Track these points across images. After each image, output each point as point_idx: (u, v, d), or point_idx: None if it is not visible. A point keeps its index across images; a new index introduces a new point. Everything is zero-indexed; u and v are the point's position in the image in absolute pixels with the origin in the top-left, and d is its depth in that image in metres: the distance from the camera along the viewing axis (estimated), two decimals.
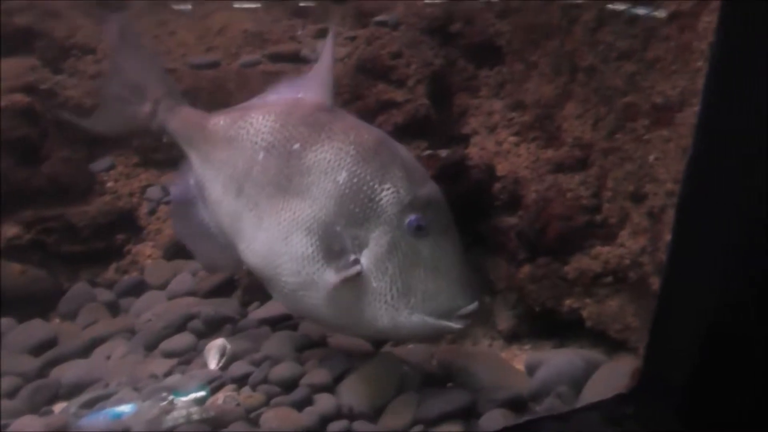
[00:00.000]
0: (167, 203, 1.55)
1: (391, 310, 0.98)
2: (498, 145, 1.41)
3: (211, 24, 1.64)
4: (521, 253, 1.29)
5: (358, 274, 0.97)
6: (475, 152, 1.41)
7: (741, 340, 0.99)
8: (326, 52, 1.06)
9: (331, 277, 0.98)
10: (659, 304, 1.06)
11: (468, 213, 1.30)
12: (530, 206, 1.28)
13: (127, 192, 1.54)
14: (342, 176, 0.98)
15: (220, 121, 1.11)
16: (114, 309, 1.42)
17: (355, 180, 0.98)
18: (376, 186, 0.97)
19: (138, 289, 1.44)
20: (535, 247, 1.27)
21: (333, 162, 0.99)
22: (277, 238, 1.01)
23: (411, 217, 0.97)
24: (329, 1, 1.69)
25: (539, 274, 1.27)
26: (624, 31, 1.16)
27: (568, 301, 1.26)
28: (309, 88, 1.05)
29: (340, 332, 1.06)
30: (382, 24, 1.51)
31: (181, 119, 1.15)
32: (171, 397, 1.11)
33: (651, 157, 1.15)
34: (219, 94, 1.56)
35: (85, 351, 1.27)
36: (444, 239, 0.99)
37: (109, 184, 1.54)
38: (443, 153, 1.27)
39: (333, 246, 0.98)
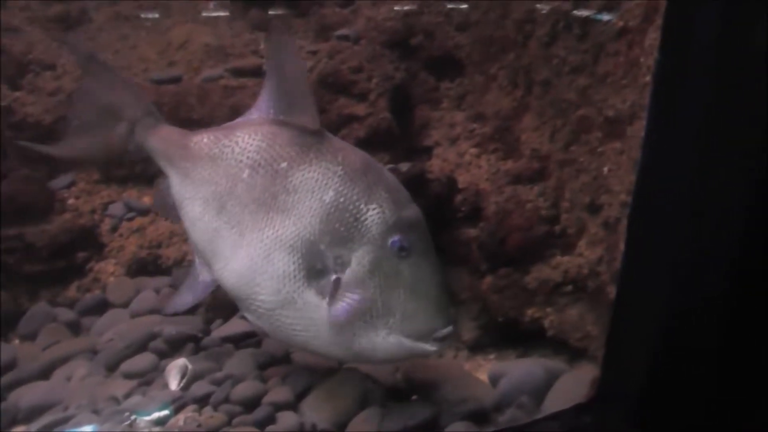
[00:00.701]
0: (130, 220, 1.53)
1: (370, 330, 0.98)
2: (459, 157, 1.43)
3: (173, 38, 1.63)
4: (483, 264, 1.30)
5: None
6: (437, 164, 1.42)
7: (694, 349, 1.01)
8: (297, 69, 1.05)
9: (312, 296, 0.99)
10: (614, 313, 1.08)
11: (430, 225, 1.31)
12: (491, 218, 1.30)
13: (89, 209, 1.52)
14: (329, 195, 0.99)
15: (203, 138, 1.10)
16: (75, 328, 1.40)
17: (341, 199, 0.99)
18: (362, 206, 0.98)
19: (100, 307, 1.42)
20: (496, 258, 1.29)
21: (320, 181, 1.00)
22: (258, 256, 1.01)
23: (394, 238, 0.98)
24: (292, 15, 1.69)
25: (501, 285, 1.28)
26: (575, 47, 1.19)
27: (530, 311, 1.28)
28: (293, 110, 1.05)
29: (314, 353, 1.06)
30: (344, 38, 1.51)
31: (161, 137, 1.14)
32: (133, 417, 1.11)
33: (605, 169, 1.17)
34: (181, 108, 1.55)
35: (45, 373, 1.25)
36: (425, 261, 1.00)
37: (71, 201, 1.52)
38: (404, 167, 1.28)
39: (315, 265, 0.99)
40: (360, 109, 1.40)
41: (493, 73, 1.44)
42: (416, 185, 1.29)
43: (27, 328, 1.39)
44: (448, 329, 0.99)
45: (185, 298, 1.13)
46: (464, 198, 1.34)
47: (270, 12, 1.72)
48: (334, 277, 0.98)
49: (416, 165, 1.29)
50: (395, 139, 1.42)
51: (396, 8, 1.54)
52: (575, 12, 1.17)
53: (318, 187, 1.00)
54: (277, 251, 1.00)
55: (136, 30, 1.69)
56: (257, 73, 1.53)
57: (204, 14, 1.73)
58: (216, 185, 1.06)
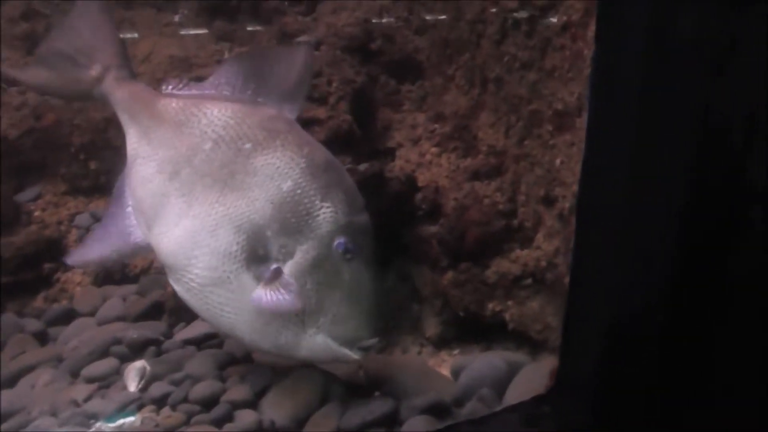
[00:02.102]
0: None
1: (299, 325, 1.00)
2: (421, 157, 1.45)
3: (137, 51, 1.66)
4: (443, 260, 1.32)
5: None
6: (399, 165, 1.44)
7: (644, 337, 1.03)
8: (304, 65, 1.07)
9: (248, 280, 0.99)
10: (568, 304, 1.09)
11: (391, 224, 1.32)
12: (450, 214, 1.31)
13: (55, 220, 1.53)
14: (287, 185, 1.00)
15: (171, 102, 1.10)
16: (43, 338, 1.39)
17: (298, 191, 1.00)
18: (317, 202, 1.00)
19: (67, 317, 1.42)
20: (456, 253, 1.30)
21: (282, 169, 1.01)
22: (203, 229, 1.02)
23: (341, 240, 1.00)
24: (256, 24, 1.72)
25: (461, 280, 1.30)
26: (524, 43, 1.21)
27: (491, 305, 1.29)
28: (275, 97, 1.06)
29: (238, 339, 1.06)
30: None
31: (129, 92, 1.13)
32: (99, 424, 1.11)
33: (557, 162, 1.19)
34: None
35: (11, 381, 1.25)
36: (366, 269, 1.02)
37: (37, 214, 1.53)
38: (363, 167, 1.30)
39: (258, 249, 1.00)
40: (320, 112, 1.41)
41: (450, 73, 1.46)
42: (374, 184, 1.32)
43: None
44: (374, 340, 1.01)
45: (102, 250, 1.11)
46: (424, 196, 1.35)
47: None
48: (274, 266, 0.99)
49: (374, 164, 1.31)
50: (357, 142, 1.44)
51: (356, 13, 1.57)
52: (516, 14, 1.19)
53: (278, 174, 1.00)
54: (223, 228, 1.00)
55: None
56: None
57: (182, 32, 1.75)
58: (175, 151, 1.06)
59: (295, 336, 1.00)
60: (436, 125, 1.48)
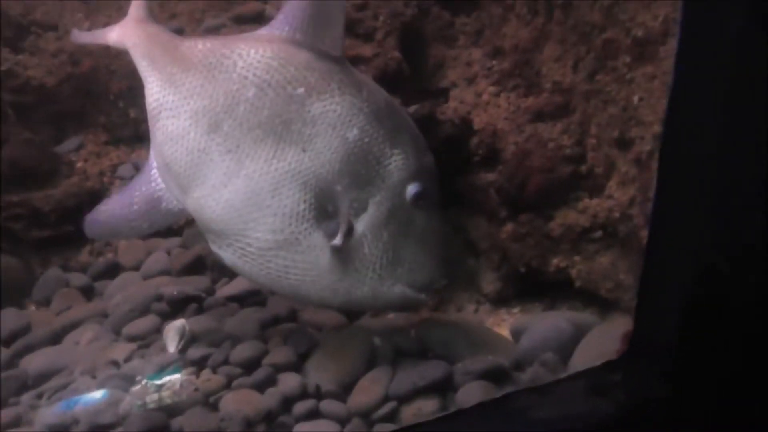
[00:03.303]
0: None
1: (376, 279, 0.94)
2: (477, 97, 1.31)
3: None
4: (502, 211, 1.20)
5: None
6: (453, 106, 1.32)
7: (732, 299, 0.90)
8: None
9: (319, 239, 0.93)
10: (646, 259, 0.97)
11: (444, 171, 1.21)
12: (509, 160, 1.19)
13: (97, 171, 1.48)
14: (353, 133, 0.92)
15: (197, 44, 0.99)
16: (89, 293, 1.37)
17: (366, 140, 0.92)
18: (386, 149, 0.93)
19: (112, 271, 1.38)
20: (516, 203, 1.19)
21: (344, 116, 0.92)
22: (261, 189, 0.93)
23: (414, 186, 0.94)
24: None
25: (522, 232, 1.18)
26: None
27: (555, 260, 1.18)
28: (314, 31, 0.95)
29: (304, 300, 1.01)
30: None
31: (147, 33, 1.04)
32: (144, 381, 1.07)
33: (635, 98, 1.05)
34: None
35: (56, 338, 1.23)
36: (436, 212, 0.96)
37: (79, 164, 1.49)
38: (412, 109, 1.19)
39: (327, 206, 0.92)
40: (367, 49, 1.30)
41: (510, 2, 1.30)
42: (426, 128, 1.20)
43: (41, 294, 1.37)
44: (444, 281, 0.97)
45: (141, 225, 1.03)
46: (480, 140, 1.23)
47: None
48: (347, 221, 0.92)
49: (425, 106, 1.19)
50: (406, 81, 1.32)
51: None
52: None
53: (341, 122, 0.92)
54: (286, 187, 0.92)
55: None
56: (258, 18, 1.44)
57: None
58: (210, 100, 0.95)
59: (371, 290, 0.94)
60: (494, 61, 1.34)
